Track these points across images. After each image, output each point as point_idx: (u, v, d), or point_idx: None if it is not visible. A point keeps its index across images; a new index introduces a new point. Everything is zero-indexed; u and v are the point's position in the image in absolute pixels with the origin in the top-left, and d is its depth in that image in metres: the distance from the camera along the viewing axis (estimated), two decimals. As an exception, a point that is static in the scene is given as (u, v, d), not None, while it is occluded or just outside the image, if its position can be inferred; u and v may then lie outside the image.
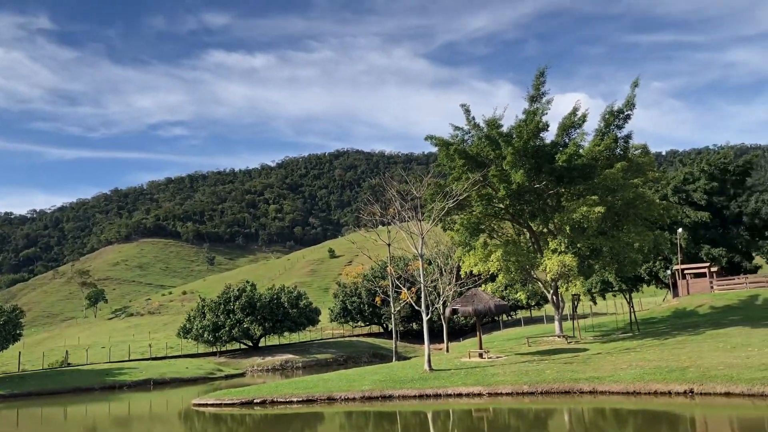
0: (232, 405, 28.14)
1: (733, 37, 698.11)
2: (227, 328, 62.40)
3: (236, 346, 68.05)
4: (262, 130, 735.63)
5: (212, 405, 28.79)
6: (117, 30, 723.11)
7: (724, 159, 65.21)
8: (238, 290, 66.24)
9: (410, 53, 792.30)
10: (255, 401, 27.78)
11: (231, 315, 63.28)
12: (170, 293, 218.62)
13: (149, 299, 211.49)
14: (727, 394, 19.48)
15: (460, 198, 35.97)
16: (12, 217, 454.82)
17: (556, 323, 40.00)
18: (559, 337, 38.70)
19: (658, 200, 45.47)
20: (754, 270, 62.86)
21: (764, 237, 61.05)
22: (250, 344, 67.04)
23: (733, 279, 55.36)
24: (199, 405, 29.28)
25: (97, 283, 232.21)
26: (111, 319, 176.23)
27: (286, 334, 68.65)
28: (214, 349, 65.39)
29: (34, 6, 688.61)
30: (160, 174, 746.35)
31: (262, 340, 68.29)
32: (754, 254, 62.36)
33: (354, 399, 26.12)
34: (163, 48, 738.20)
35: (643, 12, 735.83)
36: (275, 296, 66.14)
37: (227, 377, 54.00)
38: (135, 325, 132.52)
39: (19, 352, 63.68)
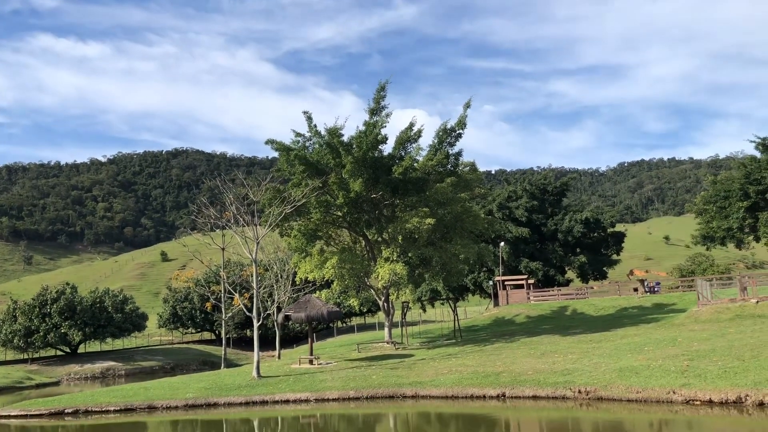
0: (40, 416, 26.10)
1: (555, 69, 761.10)
2: (42, 333, 57.75)
3: (52, 352, 63.09)
4: (91, 123, 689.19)
5: (17, 416, 26.47)
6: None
7: (544, 180, 70.99)
8: (56, 292, 61.54)
9: (255, 56, 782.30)
10: (66, 411, 25.98)
11: (47, 319, 58.64)
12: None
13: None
14: (534, 397, 21.22)
15: (299, 204, 36.12)
16: None
17: (386, 330, 41.27)
18: (388, 343, 39.93)
19: (483, 215, 48.52)
20: (566, 283, 68.86)
21: (576, 253, 66.98)
22: (68, 350, 62.45)
23: (548, 291, 60.23)
24: (2, 416, 26.82)
25: None
26: None
27: (109, 340, 64.78)
28: (26, 356, 60.20)
29: None
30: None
31: (82, 346, 63.91)
32: (566, 268, 68.21)
33: (176, 407, 25.28)
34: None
35: (479, 39, 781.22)
36: (98, 300, 62.26)
37: (39, 386, 49.99)
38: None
39: None
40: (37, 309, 59.45)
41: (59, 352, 63.05)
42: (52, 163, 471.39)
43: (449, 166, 41.49)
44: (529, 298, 58.02)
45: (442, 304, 69.44)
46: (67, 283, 65.96)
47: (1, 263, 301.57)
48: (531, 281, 61.30)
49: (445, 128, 40.56)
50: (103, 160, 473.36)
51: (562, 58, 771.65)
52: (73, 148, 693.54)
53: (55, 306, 59.24)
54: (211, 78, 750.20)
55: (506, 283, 59.94)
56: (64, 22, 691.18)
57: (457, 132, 40.57)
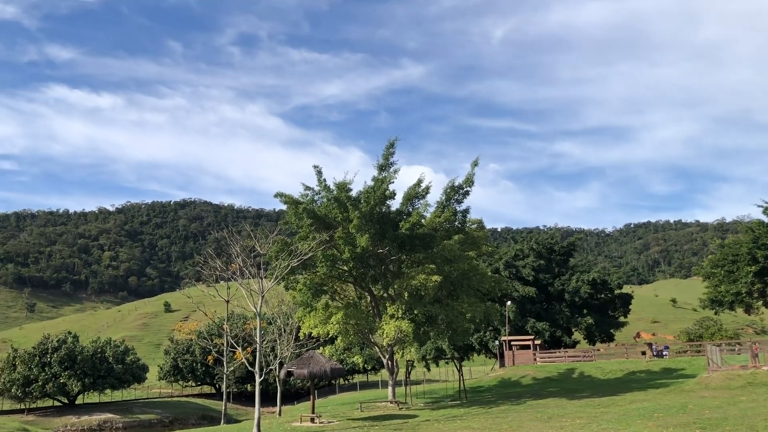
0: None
1: (561, 130, 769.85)
2: (40, 383, 56.92)
3: (49, 402, 62.07)
4: (101, 172, 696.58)
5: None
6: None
7: (550, 239, 70.86)
8: (57, 341, 60.94)
9: (264, 110, 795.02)
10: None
11: (47, 368, 57.90)
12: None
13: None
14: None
15: (305, 257, 35.97)
16: None
17: (390, 388, 40.53)
18: (391, 402, 39.16)
19: (490, 273, 48.22)
20: (573, 345, 67.89)
21: (583, 314, 66.27)
22: (66, 401, 61.46)
23: (554, 352, 59.36)
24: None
25: None
26: None
27: (108, 391, 63.77)
28: (22, 406, 59.20)
29: None
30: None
31: (81, 396, 62.91)
32: (573, 330, 67.39)
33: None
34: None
35: (485, 98, 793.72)
36: (99, 350, 61.58)
37: (33, 438, 48.98)
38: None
39: None
40: (38, 358, 58.78)
41: (57, 403, 62.05)
42: (61, 211, 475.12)
43: (457, 223, 41.53)
44: (535, 360, 57.14)
45: (447, 363, 68.43)
46: (69, 332, 65.40)
47: (4, 310, 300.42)
48: (537, 342, 60.52)
49: (453, 185, 40.75)
50: (111, 209, 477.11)
51: (568, 119, 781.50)
52: (82, 197, 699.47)
53: (55, 355, 58.60)
54: (220, 130, 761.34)
55: (512, 343, 59.17)
56: (79, 73, 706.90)
57: (465, 189, 40.75)
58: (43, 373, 57.47)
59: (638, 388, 38.51)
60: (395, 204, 40.30)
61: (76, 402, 62.52)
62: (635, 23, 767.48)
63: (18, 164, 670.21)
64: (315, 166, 40.92)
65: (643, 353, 55.83)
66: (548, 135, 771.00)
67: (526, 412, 31.18)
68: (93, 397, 65.54)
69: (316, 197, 41.15)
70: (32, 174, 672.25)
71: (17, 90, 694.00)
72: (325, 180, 40.78)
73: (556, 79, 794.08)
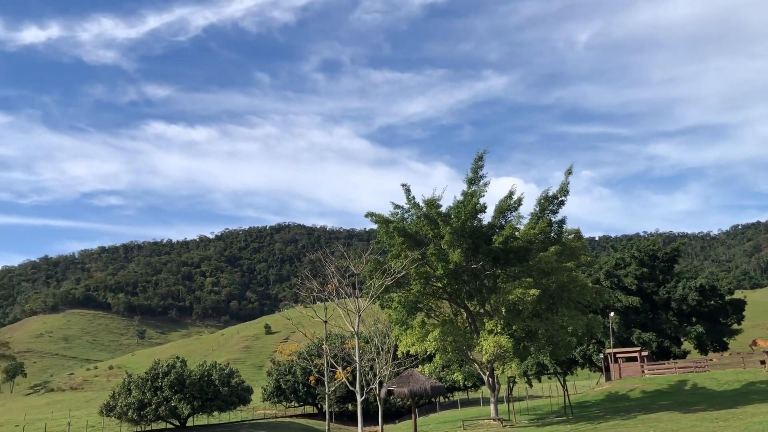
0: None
1: (655, 132, 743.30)
2: (153, 406, 59.41)
3: (162, 425, 64.69)
4: (199, 202, 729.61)
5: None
6: (54, 97, 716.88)
7: (653, 246, 67.79)
8: (167, 366, 63.52)
9: (351, 133, 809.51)
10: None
11: (158, 392, 60.41)
12: (96, 368, 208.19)
13: (73, 374, 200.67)
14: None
15: (399, 276, 35.98)
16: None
17: (492, 406, 39.72)
18: (494, 420, 38.34)
19: (591, 284, 46.56)
20: (683, 355, 64.39)
21: (692, 323, 62.83)
22: (177, 424, 63.86)
23: (663, 364, 56.48)
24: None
25: (16, 355, 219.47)
26: (29, 394, 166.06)
27: (216, 413, 65.79)
28: (138, 429, 61.99)
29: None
30: (92, 243, 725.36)
31: (191, 419, 65.20)
32: (682, 339, 63.99)
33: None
34: (101, 116, 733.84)
35: (572, 105, 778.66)
36: (206, 373, 63.67)
37: (150, 459, 51.07)
38: (55, 402, 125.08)
39: None
40: (150, 382, 61.43)
41: (169, 425, 64.58)
42: (165, 241, 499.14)
43: (552, 234, 40.50)
44: (643, 372, 54.59)
45: (550, 378, 66.49)
46: (177, 357, 68.07)
47: (117, 337, 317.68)
48: (644, 353, 57.80)
49: (547, 195, 39.81)
50: (211, 236, 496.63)
51: (661, 120, 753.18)
52: (183, 226, 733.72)
53: (166, 380, 61.04)
54: (310, 155, 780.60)
55: (618, 355, 56.82)
56: (175, 109, 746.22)
57: (560, 199, 39.74)
58: (155, 397, 59.99)
59: (760, 399, 35.99)
60: (487, 218, 39.83)
61: (187, 424, 64.84)
62: (727, 15, 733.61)
63: (123, 199, 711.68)
64: (403, 185, 41.04)
65: (762, 362, 52.19)
66: (642, 138, 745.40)
67: (637, 427, 29.74)
68: (202, 420, 67.80)
69: (406, 215, 41.21)
70: (137, 207, 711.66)
71: (120, 129, 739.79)
72: (414, 198, 40.81)
73: (646, 80, 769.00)
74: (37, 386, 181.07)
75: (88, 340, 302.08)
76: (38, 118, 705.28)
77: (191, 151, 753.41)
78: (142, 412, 59.65)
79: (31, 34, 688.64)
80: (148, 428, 62.62)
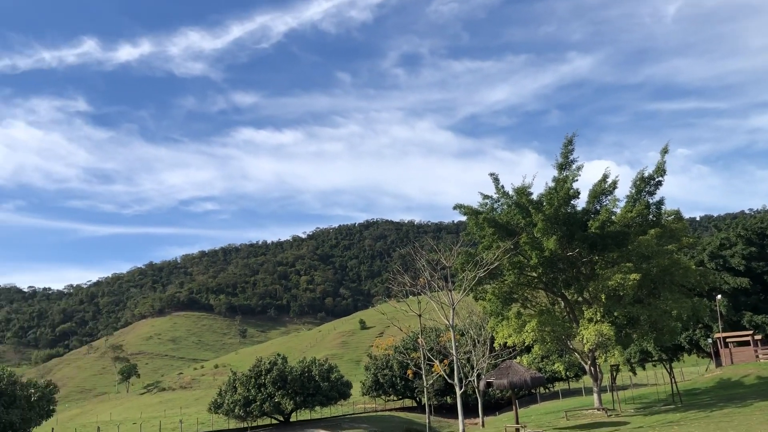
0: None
1: (755, 103, 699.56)
2: (258, 403, 61.51)
3: (267, 420, 66.85)
4: (289, 204, 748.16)
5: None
6: (149, 110, 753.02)
7: (761, 223, 63.89)
8: (269, 363, 65.57)
9: (433, 125, 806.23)
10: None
11: (262, 389, 62.48)
12: (202, 367, 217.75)
13: (181, 373, 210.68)
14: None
15: (491, 267, 35.58)
16: (50, 292, 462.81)
17: (595, 395, 38.66)
18: (598, 410, 37.34)
19: (694, 266, 44.38)
20: (802, 337, 60.46)
21: (809, 303, 58.92)
22: (282, 419, 65.84)
23: (780, 347, 53.23)
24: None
25: (130, 357, 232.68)
26: (143, 394, 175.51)
27: (317, 408, 67.38)
28: (245, 425, 64.33)
29: (72, 90, 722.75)
30: (192, 248, 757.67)
31: (294, 414, 67.06)
32: (799, 321, 60.07)
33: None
34: (193, 126, 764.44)
35: (663, 81, 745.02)
36: (306, 369, 65.29)
37: (258, 454, 52.87)
38: (167, 400, 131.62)
39: (52, 429, 63.41)
40: (253, 380, 63.60)
41: (273, 421, 66.65)
42: (260, 243, 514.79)
43: (651, 216, 38.94)
44: (758, 357, 51.65)
45: (655, 365, 64.04)
46: (278, 354, 70.10)
47: (220, 337, 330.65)
48: (758, 337, 54.65)
49: (642, 177, 38.31)
50: (303, 236, 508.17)
51: (763, 90, 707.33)
52: (276, 228, 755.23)
53: (268, 376, 63.02)
54: (393, 151, 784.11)
55: (728, 340, 54.01)
56: (262, 114, 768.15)
57: (656, 180, 38.14)
58: (260, 394, 62.05)
59: None
60: (580, 203, 38.70)
61: (290, 419, 66.72)
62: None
63: (219, 204, 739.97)
64: (491, 174, 40.50)
65: None
66: (741, 110, 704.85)
67: (754, 415, 28.18)
68: (305, 415, 69.61)
69: (495, 205, 40.69)
70: (231, 212, 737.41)
71: (211, 137, 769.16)
72: (503, 187, 40.20)
73: (743, 48, 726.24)
74: (150, 386, 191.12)
75: (194, 340, 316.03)
76: (136, 132, 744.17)
77: (279, 154, 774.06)
78: (247, 409, 61.85)
79: (126, 53, 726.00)
80: (254, 424, 64.83)
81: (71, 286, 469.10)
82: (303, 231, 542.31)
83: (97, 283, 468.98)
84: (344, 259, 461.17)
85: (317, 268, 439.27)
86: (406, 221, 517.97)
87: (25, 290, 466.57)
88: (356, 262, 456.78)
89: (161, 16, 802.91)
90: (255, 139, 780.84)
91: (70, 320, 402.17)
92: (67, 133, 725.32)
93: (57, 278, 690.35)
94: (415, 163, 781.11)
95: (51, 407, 56.30)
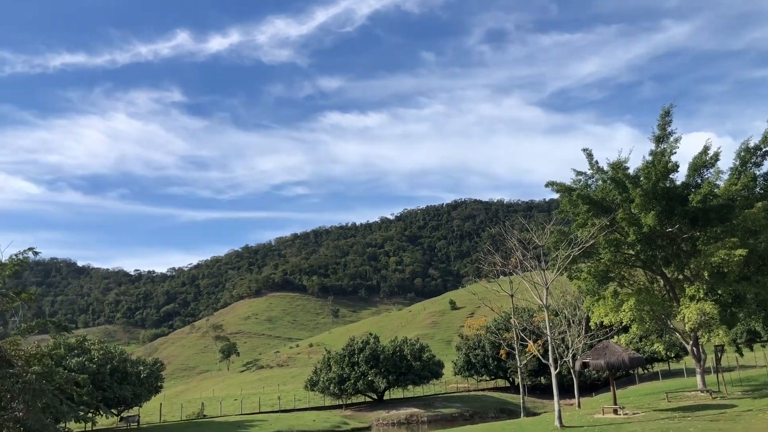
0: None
1: None
2: (352, 381, 62.89)
3: (361, 398, 68.25)
4: (377, 186, 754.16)
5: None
6: (240, 99, 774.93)
7: None
8: (361, 342, 66.80)
9: (521, 102, 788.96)
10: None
11: (356, 367, 63.78)
12: (297, 346, 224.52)
13: (278, 352, 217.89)
14: None
15: (586, 245, 34.66)
16: (154, 275, 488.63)
17: (698, 377, 37.14)
18: (702, 391, 35.88)
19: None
20: None
21: None
22: (375, 397, 67.05)
23: None
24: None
25: (229, 336, 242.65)
26: (242, 371, 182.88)
27: (409, 387, 68.16)
28: (340, 402, 65.93)
29: (168, 81, 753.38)
30: (285, 231, 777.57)
31: (387, 392, 68.13)
32: None
33: (482, 456, 25.29)
34: (282, 113, 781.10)
35: None
36: (398, 348, 66.08)
37: (353, 430, 54.09)
38: (265, 378, 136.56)
39: (160, 404, 67.21)
40: (347, 358, 65.02)
41: (367, 399, 67.94)
42: (349, 225, 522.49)
43: (758, 189, 36.74)
44: None
45: (764, 346, 60.78)
46: (370, 334, 71.27)
47: (313, 317, 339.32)
48: None
49: (748, 147, 36.19)
50: (391, 217, 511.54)
51: None
52: (364, 209, 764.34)
53: (361, 355, 64.25)
54: (480, 129, 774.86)
55: None
56: (348, 98, 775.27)
57: (763, 150, 35.92)
58: (353, 372, 63.40)
59: None
60: (680, 177, 37.01)
61: (384, 398, 67.81)
62: None
63: (309, 188, 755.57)
64: (584, 149, 39.30)
65: None
66: None
67: None
68: (397, 393, 70.51)
69: (589, 181, 39.51)
70: (321, 195, 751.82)
71: (299, 122, 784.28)
72: (596, 162, 38.95)
73: None
74: (249, 364, 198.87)
75: (289, 320, 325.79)
76: (228, 120, 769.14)
77: (365, 137, 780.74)
78: (342, 386, 63.37)
79: (216, 43, 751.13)
80: (349, 401, 66.32)
81: (173, 269, 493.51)
82: (391, 212, 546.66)
83: (198, 266, 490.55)
84: (432, 240, 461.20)
85: (406, 249, 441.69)
86: (495, 200, 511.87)
87: (132, 273, 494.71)
88: (445, 242, 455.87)
89: (249, 5, 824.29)
90: (341, 123, 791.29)
91: (173, 301, 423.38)
92: (165, 123, 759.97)
93: (160, 262, 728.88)
94: (503, 140, 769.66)
95: (159, 383, 59.75)
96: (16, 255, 10.58)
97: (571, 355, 41.33)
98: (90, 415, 40.58)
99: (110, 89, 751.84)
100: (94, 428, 53.39)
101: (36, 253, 10.88)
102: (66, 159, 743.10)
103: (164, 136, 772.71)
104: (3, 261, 10.80)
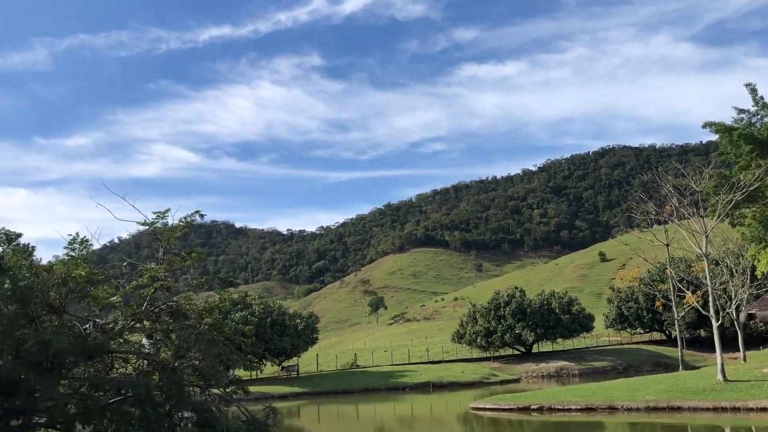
0: (510, 410, 28.33)
1: None
2: (499, 334, 63.12)
3: (509, 351, 68.38)
4: (516, 137, 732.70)
5: (490, 409, 29.29)
6: (376, 58, 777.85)
7: None
8: (507, 296, 66.63)
9: (671, 39, 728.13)
10: (532, 407, 27.63)
11: (502, 321, 63.86)
12: (442, 299, 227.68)
13: (424, 305, 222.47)
14: None
15: (751, 189, 32.06)
16: (305, 234, 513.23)
17: None
18: None
19: None
20: None
21: None
22: (523, 350, 66.93)
23: None
24: (477, 408, 29.97)
25: (377, 291, 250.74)
26: (391, 324, 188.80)
27: (559, 340, 67.29)
28: (487, 354, 66.48)
29: (307, 46, 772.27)
30: (425, 187, 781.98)
31: (535, 346, 67.75)
32: None
33: (638, 409, 24.65)
34: (418, 69, 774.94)
35: None
36: (545, 302, 65.25)
37: (502, 382, 54.51)
38: (412, 330, 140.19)
39: (317, 354, 71.24)
40: (493, 312, 65.21)
41: (515, 352, 67.95)
42: (489, 179, 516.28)
43: None
44: None
45: None
46: (516, 287, 70.83)
47: (457, 271, 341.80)
48: None
49: None
50: (534, 169, 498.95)
51: None
52: (504, 162, 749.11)
53: (507, 309, 64.17)
54: (626, 71, 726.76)
55: None
56: (483, 48, 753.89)
57: None
58: (500, 325, 63.56)
59: None
60: None
61: (532, 351, 67.50)
62: None
63: (447, 144, 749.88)
64: (747, 84, 36.05)
65: None
66: None
67: None
68: (546, 346, 69.89)
69: (753, 119, 36.29)
70: (459, 150, 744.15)
71: (435, 78, 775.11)
72: (761, 98, 35.65)
73: None
74: (397, 317, 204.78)
75: (433, 275, 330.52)
76: (366, 80, 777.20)
77: (503, 88, 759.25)
78: (489, 339, 63.83)
79: (351, 4, 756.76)
80: (496, 354, 66.67)
81: (322, 227, 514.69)
82: (533, 164, 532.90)
83: (344, 224, 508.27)
84: (578, 190, 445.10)
85: (550, 201, 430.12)
86: (645, 145, 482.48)
87: (284, 233, 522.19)
88: (592, 192, 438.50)
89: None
90: (478, 75, 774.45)
91: (323, 258, 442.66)
92: (306, 88, 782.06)
93: (309, 221, 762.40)
94: (652, 81, 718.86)
95: (314, 335, 63.28)
96: (184, 218, 11.54)
97: (734, 306, 38.84)
98: (256, 363, 43.87)
99: (254, 58, 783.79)
100: (259, 377, 57.74)
101: (202, 216, 11.78)
102: (219, 128, 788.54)
103: (306, 100, 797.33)
104: (174, 224, 11.81)
